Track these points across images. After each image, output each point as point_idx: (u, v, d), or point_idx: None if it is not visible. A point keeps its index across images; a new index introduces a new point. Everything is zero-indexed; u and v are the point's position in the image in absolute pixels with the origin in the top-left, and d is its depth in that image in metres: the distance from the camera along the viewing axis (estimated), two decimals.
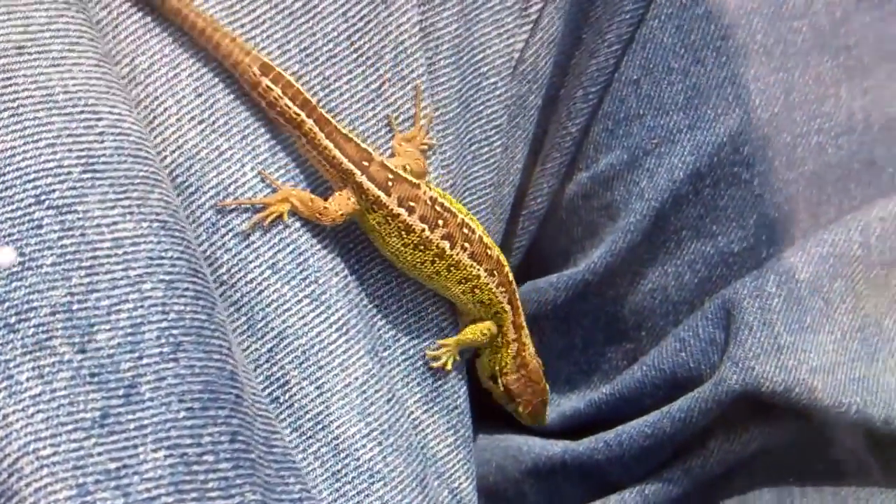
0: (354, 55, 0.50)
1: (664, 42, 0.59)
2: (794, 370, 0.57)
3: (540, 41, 0.56)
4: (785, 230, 0.60)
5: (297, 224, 0.49)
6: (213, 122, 0.47)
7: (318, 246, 0.49)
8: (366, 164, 0.50)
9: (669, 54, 0.59)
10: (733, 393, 0.56)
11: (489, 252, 0.53)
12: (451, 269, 0.53)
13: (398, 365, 0.53)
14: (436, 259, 0.52)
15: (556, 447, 0.63)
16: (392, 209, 0.51)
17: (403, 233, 0.51)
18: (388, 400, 0.50)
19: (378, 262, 0.53)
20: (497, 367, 0.57)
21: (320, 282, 0.49)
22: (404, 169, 0.52)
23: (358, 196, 0.50)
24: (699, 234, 0.61)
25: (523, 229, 0.64)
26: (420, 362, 0.53)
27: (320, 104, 0.50)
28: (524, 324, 0.57)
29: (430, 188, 0.52)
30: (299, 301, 0.48)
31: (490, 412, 0.69)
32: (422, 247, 0.52)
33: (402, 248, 0.51)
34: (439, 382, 0.54)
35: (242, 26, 0.48)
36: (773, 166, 0.59)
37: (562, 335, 0.66)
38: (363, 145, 0.51)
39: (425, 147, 0.53)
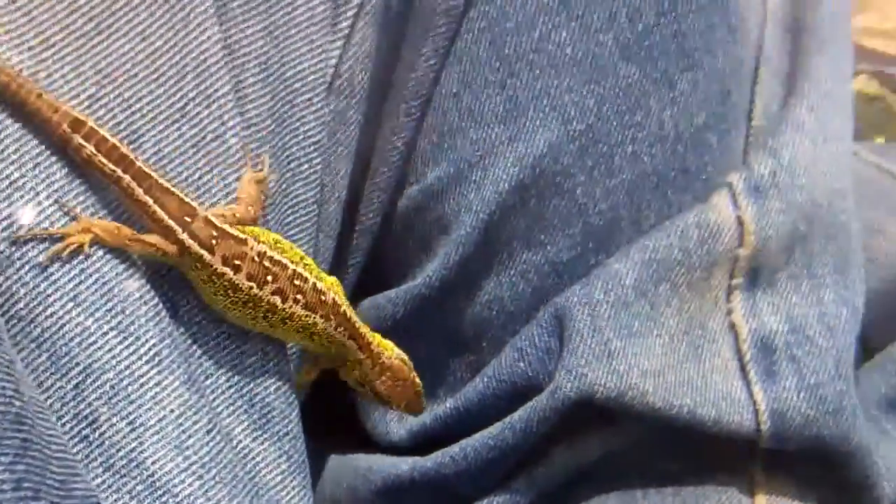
0: (155, 75, 0.48)
1: (479, 56, 0.60)
2: (625, 375, 0.57)
3: (354, 56, 0.56)
4: (610, 237, 0.61)
5: (101, 252, 0.47)
6: (3, 151, 0.45)
7: (125, 274, 0.47)
8: (188, 220, 0.48)
9: (485, 68, 0.60)
10: (568, 401, 0.57)
11: (323, 298, 0.52)
12: (286, 321, 0.51)
13: (222, 393, 0.51)
14: (267, 314, 0.50)
15: (405, 465, 0.62)
16: (216, 268, 0.49)
17: (230, 291, 0.49)
18: (209, 431, 0.48)
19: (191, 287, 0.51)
20: (359, 379, 0.57)
21: (127, 312, 0.47)
22: (233, 217, 0.50)
23: (181, 253, 0.48)
24: (529, 244, 0.61)
25: (357, 245, 0.64)
26: (246, 389, 0.51)
27: (129, 138, 0.48)
28: (371, 340, 0.56)
29: (258, 241, 0.50)
30: (105, 333, 0.46)
31: (340, 430, 0.68)
32: (251, 304, 0.50)
33: (231, 306, 0.50)
34: (268, 409, 0.52)
35: (31, 48, 0.46)
36: (593, 176, 0.60)
37: (404, 350, 0.65)
38: (186, 199, 0.48)
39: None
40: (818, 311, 0.60)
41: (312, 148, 0.55)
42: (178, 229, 0.48)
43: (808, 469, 0.61)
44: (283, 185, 0.55)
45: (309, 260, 0.52)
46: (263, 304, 0.50)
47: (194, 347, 0.50)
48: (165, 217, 0.48)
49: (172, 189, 0.48)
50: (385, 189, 0.63)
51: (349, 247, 0.64)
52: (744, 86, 0.61)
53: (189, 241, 0.48)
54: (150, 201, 0.47)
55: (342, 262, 0.64)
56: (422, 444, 0.63)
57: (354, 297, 0.66)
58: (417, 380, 0.57)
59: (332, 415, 0.68)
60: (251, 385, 0.52)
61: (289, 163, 0.54)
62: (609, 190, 0.60)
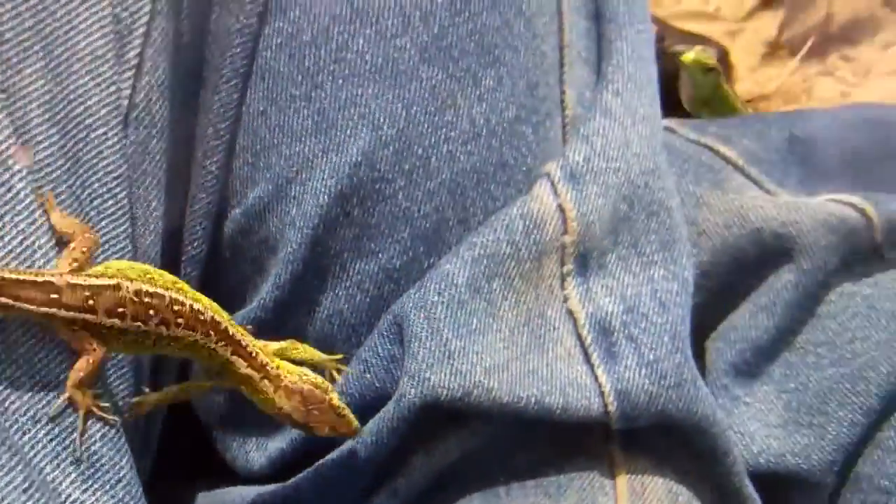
0: None
1: (281, 71, 0.59)
2: (468, 374, 0.57)
3: (147, 85, 0.55)
4: (439, 239, 0.61)
5: None
6: None
7: None
8: (56, 296, 0.47)
9: (289, 83, 0.59)
10: (414, 407, 0.56)
11: (201, 317, 0.52)
12: (171, 343, 0.51)
13: (43, 448, 0.48)
14: (156, 341, 0.51)
15: (267, 493, 0.61)
16: (103, 323, 0.49)
17: (120, 335, 0.50)
18: (26, 489, 0.46)
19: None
20: (267, 404, 0.55)
21: None
22: (86, 255, 0.49)
23: (69, 326, 0.48)
24: (360, 254, 0.61)
25: (186, 275, 0.62)
26: (69, 440, 0.49)
27: None
28: (264, 358, 0.55)
29: (129, 280, 0.50)
30: None
31: (204, 465, 0.66)
32: (140, 338, 0.50)
33: (123, 346, 0.51)
34: (96, 458, 0.50)
35: None
36: (412, 179, 0.60)
37: None
38: (42, 278, 0.47)
39: None
40: (650, 289, 0.61)
41: (115, 183, 0.53)
42: (52, 311, 0.47)
43: (663, 443, 0.61)
44: (90, 224, 0.53)
45: (181, 283, 0.53)
46: (151, 335, 0.51)
47: (7, 403, 0.48)
48: (33, 307, 0.47)
49: (24, 275, 0.47)
50: (206, 215, 0.61)
51: (178, 278, 0.62)
52: (551, 77, 0.62)
53: (68, 314, 0.48)
54: (11, 301, 0.47)
55: None
56: (282, 470, 0.62)
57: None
58: (337, 401, 0.56)
59: (197, 450, 0.66)
60: (74, 436, 0.49)
61: (91, 200, 0.53)
62: (431, 191, 0.60)
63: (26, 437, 0.48)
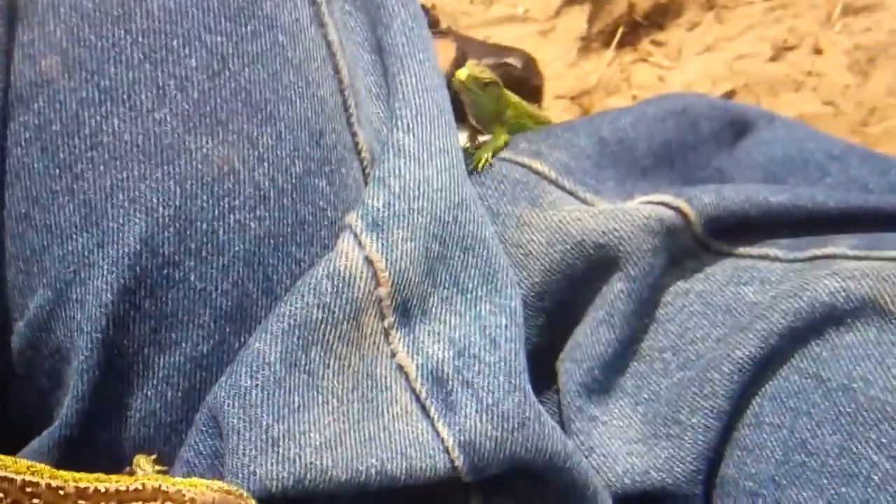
0: None
1: (36, 167, 0.54)
2: (296, 458, 0.53)
3: None
4: (245, 315, 0.56)
5: None
6: None
7: None
8: None
9: (46, 178, 0.54)
10: None
11: (62, 491, 0.50)
12: None
13: None
14: None
15: None
16: None
17: None
18: None
19: None
20: None
21: None
22: None
23: None
24: (161, 347, 0.55)
25: None
26: None
27: None
28: (159, 483, 0.51)
29: None
30: None
31: None
32: None
33: None
34: None
35: None
36: (202, 257, 0.55)
37: None
38: None
39: None
40: (478, 326, 0.58)
41: None
42: None
43: (521, 485, 0.58)
44: None
45: (39, 466, 0.51)
46: None
47: None
48: None
49: None
50: None
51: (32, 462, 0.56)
52: (336, 122, 0.59)
53: None
54: None
55: None
56: None
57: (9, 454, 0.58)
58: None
59: None
60: None
61: None
62: (225, 267, 0.55)
63: None
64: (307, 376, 0.55)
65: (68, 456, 0.56)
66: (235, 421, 0.53)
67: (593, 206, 0.65)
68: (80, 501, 0.50)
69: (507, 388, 0.57)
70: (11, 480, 0.49)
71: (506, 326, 0.58)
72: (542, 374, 0.62)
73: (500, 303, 0.59)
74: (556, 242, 0.63)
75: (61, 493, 0.50)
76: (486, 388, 0.57)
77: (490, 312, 0.59)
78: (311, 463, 0.53)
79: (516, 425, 0.56)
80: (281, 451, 0.52)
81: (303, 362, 0.55)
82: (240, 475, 0.51)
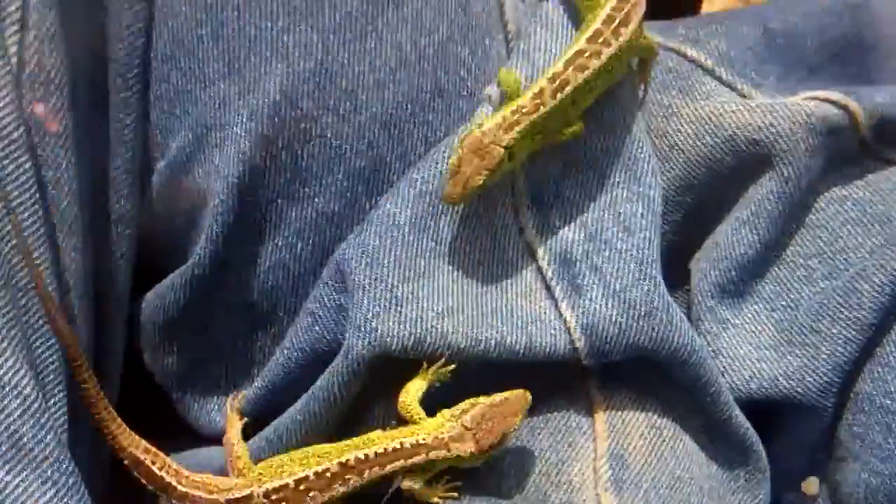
0: None
1: (183, 12, 0.55)
2: (418, 321, 0.53)
3: (36, 39, 0.50)
4: (377, 177, 0.56)
5: None
6: None
7: None
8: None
9: (192, 23, 0.55)
10: (363, 360, 0.52)
11: (328, 474, 0.52)
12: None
13: None
14: None
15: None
16: None
17: None
18: None
19: None
20: (471, 461, 0.53)
21: None
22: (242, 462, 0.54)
23: None
24: (294, 200, 0.56)
25: (119, 234, 0.58)
26: None
27: None
28: (423, 438, 0.52)
29: (256, 483, 0.52)
30: None
31: (168, 429, 0.63)
32: None
33: None
34: (16, 437, 0.47)
35: None
36: (339, 114, 0.55)
37: (203, 336, 0.60)
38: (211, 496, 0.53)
39: None
40: (612, 213, 0.56)
41: (13, 147, 0.49)
42: None
43: (643, 376, 0.57)
44: None
45: (297, 455, 0.53)
46: None
47: None
48: None
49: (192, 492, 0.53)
50: (130, 170, 0.57)
51: (108, 240, 0.58)
52: None
53: None
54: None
55: (105, 256, 0.58)
56: (243, 430, 0.58)
57: (139, 292, 0.61)
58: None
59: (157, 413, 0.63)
60: None
61: None
62: (362, 126, 0.55)
63: None
64: (434, 243, 0.55)
65: (197, 293, 0.58)
66: (361, 277, 0.53)
67: (751, 100, 0.61)
68: (346, 476, 0.52)
69: (636, 276, 0.55)
70: (285, 486, 0.52)
71: (641, 215, 0.56)
72: (674, 273, 0.60)
73: (638, 190, 0.57)
74: (706, 135, 0.60)
75: (328, 475, 0.52)
76: (614, 274, 0.55)
77: (626, 199, 0.57)
78: (432, 326, 0.53)
79: (643, 313, 0.54)
80: (403, 311, 0.53)
81: (431, 229, 0.54)
82: (362, 330, 0.52)
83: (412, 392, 0.53)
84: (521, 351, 0.54)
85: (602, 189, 0.57)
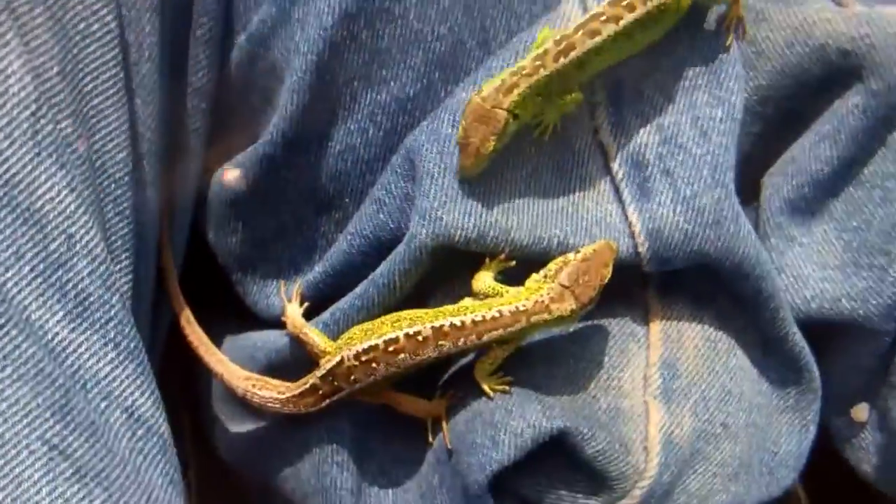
0: None
1: None
2: (484, 213, 0.53)
3: None
4: (456, 64, 0.55)
5: None
6: None
7: None
8: (319, 393, 0.55)
9: None
10: (426, 248, 0.52)
11: (420, 337, 0.52)
12: (423, 364, 0.53)
13: (28, 284, 0.46)
14: (411, 369, 0.53)
15: (284, 339, 0.59)
16: (355, 391, 0.54)
17: (374, 386, 0.54)
18: (1, 326, 0.44)
19: None
20: (570, 320, 0.53)
21: None
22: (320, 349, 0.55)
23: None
24: (370, 82, 0.56)
25: (194, 108, 0.59)
26: (55, 277, 0.47)
27: None
28: (514, 307, 0.52)
29: (346, 347, 0.54)
30: None
31: (223, 312, 0.64)
32: (396, 375, 0.53)
33: (391, 383, 0.55)
34: (83, 296, 0.48)
35: None
36: None
37: (269, 216, 0.61)
38: (303, 388, 0.56)
39: None
40: (691, 116, 0.55)
41: (100, 5, 0.49)
42: (324, 404, 0.55)
43: (703, 288, 0.57)
44: (74, 50, 0.49)
45: (392, 318, 0.53)
46: (398, 372, 0.53)
47: None
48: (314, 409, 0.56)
49: (297, 391, 0.56)
50: (210, 42, 0.57)
51: (183, 112, 0.58)
52: None
53: (336, 398, 0.55)
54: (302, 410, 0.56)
55: (179, 129, 0.58)
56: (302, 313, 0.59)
57: (209, 168, 0.62)
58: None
59: (220, 296, 0.65)
60: (59, 272, 0.47)
61: (75, 23, 0.49)
62: (445, 10, 0.54)
63: (9, 274, 0.46)
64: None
65: (265, 171, 0.59)
66: (431, 165, 0.53)
67: (847, 8, 0.58)
68: (439, 341, 0.52)
69: (709, 183, 0.54)
70: (374, 346, 0.53)
71: (720, 120, 0.55)
72: (745, 187, 0.59)
73: (720, 95, 0.55)
74: (796, 44, 0.58)
75: (419, 338, 0.52)
76: (686, 180, 0.54)
77: (706, 104, 0.55)
78: (496, 220, 0.53)
79: (711, 221, 0.53)
80: (470, 203, 0.53)
81: None
82: (427, 217, 0.52)
83: (483, 278, 0.53)
84: None
85: (682, 92, 0.55)
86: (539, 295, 0.52)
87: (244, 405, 0.60)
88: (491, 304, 0.52)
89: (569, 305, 0.52)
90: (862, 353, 0.59)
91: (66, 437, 0.44)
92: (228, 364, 0.59)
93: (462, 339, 0.52)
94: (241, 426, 0.62)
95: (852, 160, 0.59)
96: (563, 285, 0.52)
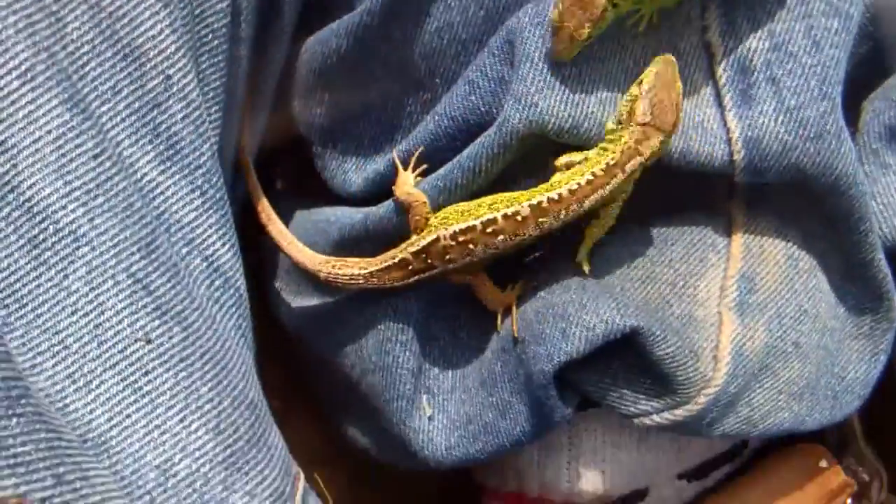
0: None
1: None
2: (580, 103, 0.52)
3: None
4: None
5: None
6: None
7: None
8: (409, 268, 0.55)
9: None
10: (517, 133, 0.51)
11: (518, 217, 0.52)
12: (521, 243, 0.53)
13: (122, 121, 0.46)
14: (509, 249, 0.53)
15: (360, 214, 0.59)
16: (447, 269, 0.54)
17: (469, 267, 0.54)
18: (96, 156, 0.44)
19: None
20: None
21: None
22: (422, 219, 0.54)
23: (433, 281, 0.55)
24: None
25: None
26: (149, 117, 0.47)
27: None
28: (592, 170, 0.51)
29: (442, 227, 0.53)
30: None
31: (300, 187, 0.64)
32: (491, 257, 0.53)
33: (482, 267, 0.55)
34: (175, 139, 0.48)
35: None
36: None
37: (357, 90, 0.60)
38: (395, 259, 0.55)
39: None
40: (805, 25, 0.53)
41: None
42: (412, 280, 0.55)
43: (792, 203, 0.56)
44: None
45: (488, 200, 0.53)
46: (495, 253, 0.53)
47: (83, 65, 0.45)
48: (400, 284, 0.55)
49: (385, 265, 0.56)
50: None
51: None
52: None
53: (426, 276, 0.55)
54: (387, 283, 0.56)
55: None
56: (378, 191, 0.59)
57: (300, 36, 0.60)
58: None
59: (300, 170, 0.64)
60: (154, 113, 0.47)
61: None
62: None
63: (105, 108, 0.46)
64: (615, 29, 0.52)
65: (359, 43, 0.58)
66: (532, 49, 0.52)
67: None
68: (539, 219, 0.51)
69: (815, 95, 0.52)
70: (472, 228, 0.52)
71: (836, 31, 0.53)
72: (846, 108, 0.57)
73: (838, 4, 0.53)
74: None
75: (518, 218, 0.51)
76: (792, 89, 0.53)
77: (822, 13, 0.53)
78: (591, 112, 0.52)
79: (812, 135, 0.52)
80: (568, 90, 0.51)
81: (611, 10, 0.52)
82: (522, 102, 0.51)
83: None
84: (676, 156, 0.52)
85: None
86: (622, 144, 0.51)
87: (313, 282, 0.60)
88: (581, 170, 0.52)
89: (656, 139, 0.51)
90: None
91: (149, 273, 0.45)
92: (303, 248, 0.59)
93: (563, 212, 0.51)
94: (306, 300, 0.62)
95: None
96: (641, 123, 0.51)
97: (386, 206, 0.57)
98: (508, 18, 0.54)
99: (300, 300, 0.62)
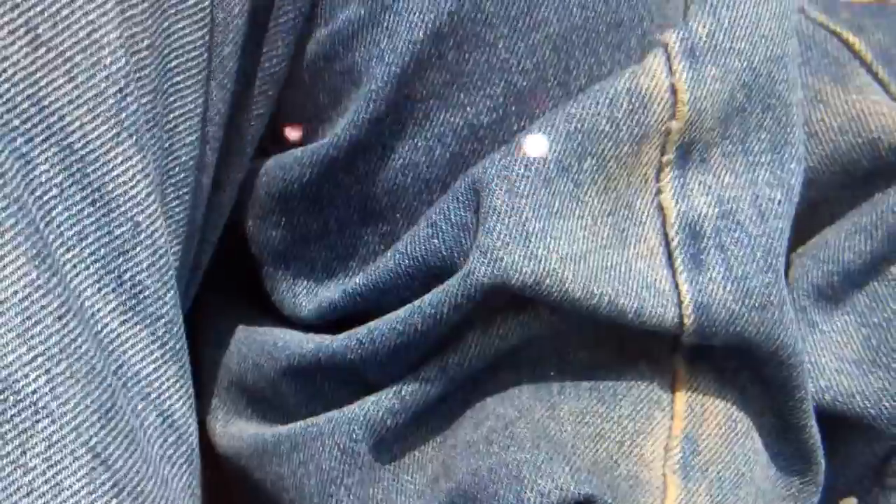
0: None
1: None
2: (543, 260, 0.52)
3: None
4: (534, 99, 0.55)
5: None
6: None
7: None
8: None
9: None
10: (482, 286, 0.52)
11: None
12: None
13: (86, 268, 0.44)
14: None
15: (311, 343, 0.58)
16: None
17: None
18: (60, 317, 0.42)
19: None
20: None
21: None
22: None
23: None
24: (447, 103, 0.55)
25: (261, 94, 0.57)
26: (114, 264, 0.45)
27: None
28: None
29: None
30: None
31: (247, 295, 0.62)
32: None
33: None
34: (139, 288, 0.46)
35: None
36: (516, 27, 0.53)
37: (314, 217, 0.59)
38: None
39: None
40: (751, 194, 0.56)
41: None
42: None
43: (731, 365, 0.57)
44: (165, 23, 0.47)
45: None
46: None
47: (54, 213, 0.43)
48: None
49: None
50: (290, 30, 0.55)
51: (250, 96, 0.56)
52: None
53: None
54: None
55: (241, 111, 0.57)
56: (331, 321, 0.59)
57: (261, 155, 0.60)
58: None
59: (244, 284, 0.62)
60: (120, 261, 0.45)
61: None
62: (534, 45, 0.53)
63: (69, 255, 0.43)
64: (573, 185, 0.54)
65: (321, 172, 0.57)
66: (498, 203, 0.52)
67: None
68: None
69: (761, 266, 0.55)
70: None
71: (779, 202, 0.56)
72: None
73: (781, 176, 0.56)
74: (849, 132, 0.59)
75: None
76: (739, 259, 0.55)
77: (767, 183, 0.56)
78: (553, 269, 0.52)
79: (757, 305, 0.54)
80: (531, 247, 0.52)
81: (573, 170, 0.53)
82: (488, 256, 0.51)
83: None
84: (631, 315, 0.53)
85: (747, 166, 0.56)
86: None
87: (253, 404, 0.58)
88: None
89: None
90: (865, 451, 0.61)
91: (108, 444, 0.43)
92: None
93: None
94: (244, 426, 0.60)
95: (883, 257, 0.60)
96: None
97: (339, 342, 0.56)
98: (472, 165, 0.54)
99: (237, 424, 0.61)
